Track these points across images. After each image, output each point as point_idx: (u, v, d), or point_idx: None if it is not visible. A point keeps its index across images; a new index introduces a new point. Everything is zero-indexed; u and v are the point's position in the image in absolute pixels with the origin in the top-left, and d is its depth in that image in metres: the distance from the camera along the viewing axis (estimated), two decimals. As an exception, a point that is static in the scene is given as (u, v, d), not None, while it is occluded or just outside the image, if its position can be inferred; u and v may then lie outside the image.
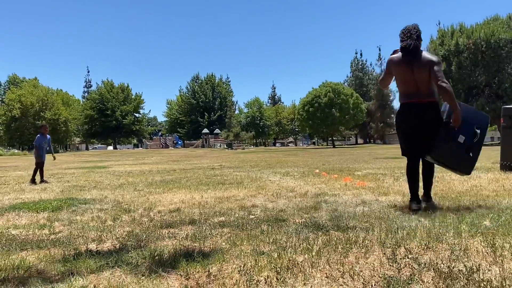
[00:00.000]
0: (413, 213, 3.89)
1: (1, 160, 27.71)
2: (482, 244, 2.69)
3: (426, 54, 4.06)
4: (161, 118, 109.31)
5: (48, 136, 9.50)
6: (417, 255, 2.52)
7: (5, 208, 5.23)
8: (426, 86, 4.02)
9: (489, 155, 15.30)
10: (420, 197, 4.23)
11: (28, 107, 57.50)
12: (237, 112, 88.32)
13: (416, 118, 4.08)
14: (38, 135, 9.30)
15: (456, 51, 42.11)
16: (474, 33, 41.65)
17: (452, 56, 42.48)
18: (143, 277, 2.31)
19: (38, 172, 9.01)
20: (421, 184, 4.31)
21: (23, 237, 3.54)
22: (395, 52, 4.25)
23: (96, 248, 3.05)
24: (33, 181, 8.78)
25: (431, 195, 4.48)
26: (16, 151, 51.37)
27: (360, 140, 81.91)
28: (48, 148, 9.46)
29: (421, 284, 2.03)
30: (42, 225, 4.07)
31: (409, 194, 4.24)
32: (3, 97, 71.96)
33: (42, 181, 8.93)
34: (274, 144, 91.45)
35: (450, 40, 43.16)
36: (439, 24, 46.12)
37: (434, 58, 4.03)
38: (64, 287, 2.16)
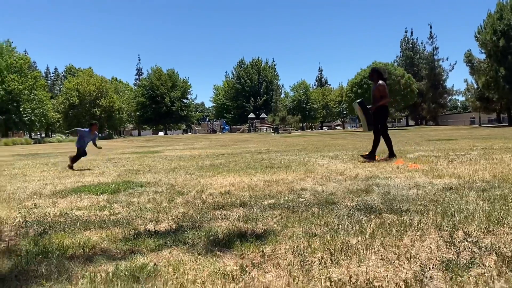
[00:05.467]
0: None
1: (60, 146, 29.33)
2: (548, 228, 2.56)
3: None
4: (208, 104, 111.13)
5: (96, 133, 9.62)
6: (476, 239, 2.44)
7: (68, 191, 5.56)
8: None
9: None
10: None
11: (85, 95, 60.30)
12: (283, 95, 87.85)
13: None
14: (87, 129, 9.47)
15: (516, 25, 39.44)
16: (536, 5, 38.78)
17: (511, 30, 39.81)
18: (200, 256, 2.40)
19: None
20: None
21: (86, 218, 3.76)
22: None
23: (154, 228, 3.19)
24: (70, 167, 8.86)
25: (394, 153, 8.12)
26: (73, 137, 54.22)
27: (411, 122, 79.19)
28: (92, 142, 9.49)
29: (482, 268, 1.97)
30: (102, 207, 4.30)
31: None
32: (61, 86, 75.80)
33: (70, 166, 8.89)
34: (321, 128, 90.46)
35: (509, 14, 40.40)
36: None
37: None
38: (127, 265, 2.28)
